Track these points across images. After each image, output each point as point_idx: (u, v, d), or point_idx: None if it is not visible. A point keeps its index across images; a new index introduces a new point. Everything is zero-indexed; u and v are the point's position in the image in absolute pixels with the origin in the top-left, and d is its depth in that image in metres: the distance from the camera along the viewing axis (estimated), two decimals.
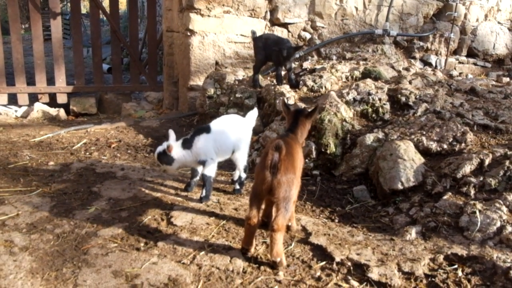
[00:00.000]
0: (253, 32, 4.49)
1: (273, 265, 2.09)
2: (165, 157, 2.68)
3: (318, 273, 2.07)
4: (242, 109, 4.22)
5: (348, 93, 3.86)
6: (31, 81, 5.62)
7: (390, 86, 4.08)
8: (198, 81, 5.06)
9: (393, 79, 4.53)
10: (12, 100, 5.56)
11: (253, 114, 2.95)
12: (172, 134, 2.73)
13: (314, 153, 3.35)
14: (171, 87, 5.56)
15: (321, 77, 4.47)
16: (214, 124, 2.80)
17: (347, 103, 3.76)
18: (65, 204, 2.73)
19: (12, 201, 2.75)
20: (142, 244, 2.28)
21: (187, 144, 2.70)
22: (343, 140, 3.42)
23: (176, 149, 2.68)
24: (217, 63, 5.18)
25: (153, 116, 5.19)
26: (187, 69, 5.09)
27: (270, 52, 4.26)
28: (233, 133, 2.79)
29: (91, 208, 2.67)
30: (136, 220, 2.54)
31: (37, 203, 2.73)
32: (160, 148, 2.70)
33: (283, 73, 4.46)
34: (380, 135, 3.31)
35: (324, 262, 2.15)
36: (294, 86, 4.27)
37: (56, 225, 2.47)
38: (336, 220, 2.66)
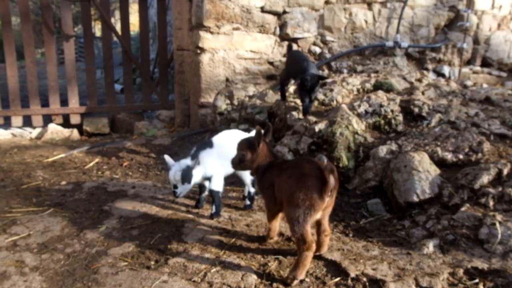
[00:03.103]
0: (289, 46, 4.32)
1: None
2: (189, 174, 2.61)
3: None
4: (253, 125, 4.20)
5: (359, 106, 3.82)
6: (45, 103, 5.71)
7: (403, 97, 4.02)
8: (209, 98, 5.08)
9: (405, 91, 4.47)
10: (27, 121, 5.65)
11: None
12: (169, 158, 2.70)
13: None
14: (182, 105, 5.59)
15: (332, 90, 4.43)
16: (216, 139, 2.78)
17: (358, 115, 3.71)
18: (76, 223, 2.72)
19: (24, 221, 2.76)
20: (152, 262, 2.25)
21: (196, 160, 2.68)
22: (355, 153, 3.36)
23: (194, 168, 2.66)
24: (227, 79, 5.20)
25: (165, 134, 5.21)
26: (198, 87, 5.12)
27: (291, 73, 3.98)
28: (234, 147, 2.76)
29: (102, 227, 2.65)
30: (146, 238, 2.51)
31: (48, 223, 2.73)
32: (180, 167, 2.60)
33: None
34: (394, 147, 3.24)
35: (338, 278, 2.08)
36: (305, 113, 3.78)
37: (67, 244, 2.46)
38: (351, 235, 2.58)
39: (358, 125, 3.56)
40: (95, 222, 2.73)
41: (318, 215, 2.08)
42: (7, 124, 5.58)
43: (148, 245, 2.42)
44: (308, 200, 1.99)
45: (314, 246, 2.03)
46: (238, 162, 2.33)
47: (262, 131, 2.23)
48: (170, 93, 6.17)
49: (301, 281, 2.06)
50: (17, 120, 5.54)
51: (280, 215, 2.35)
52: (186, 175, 2.61)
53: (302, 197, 1.99)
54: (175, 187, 2.63)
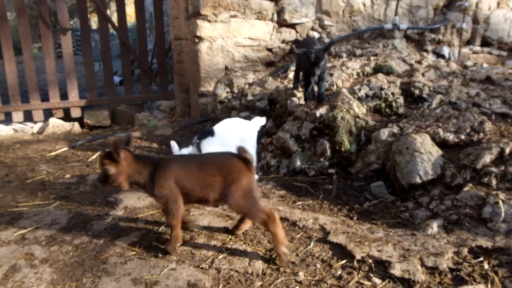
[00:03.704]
0: (296, 41, 4.06)
1: None
2: None
3: (339, 272, 2.03)
4: (254, 112, 4.21)
5: (360, 89, 3.81)
6: (45, 98, 5.71)
7: (403, 79, 4.01)
8: (209, 87, 5.07)
9: (405, 73, 4.46)
10: (28, 117, 5.65)
11: (260, 119, 2.94)
12: (174, 144, 2.70)
13: (328, 151, 3.31)
14: (182, 94, 5.58)
15: (331, 75, 4.42)
16: (218, 128, 2.80)
17: (359, 99, 3.71)
18: (83, 215, 2.75)
19: (31, 215, 2.78)
20: (159, 251, 2.27)
21: (198, 148, 2.70)
22: (357, 136, 3.37)
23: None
24: (226, 68, 5.19)
25: (166, 124, 5.21)
26: (197, 76, 5.11)
27: (299, 59, 3.83)
28: (236, 135, 2.79)
29: (108, 218, 2.67)
30: (153, 227, 2.53)
31: (55, 216, 2.75)
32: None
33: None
34: (395, 129, 3.25)
35: (344, 261, 2.11)
36: (321, 101, 3.64)
37: (74, 236, 2.48)
38: (355, 218, 2.61)
39: (359, 109, 3.56)
40: (101, 214, 2.76)
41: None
42: (8, 120, 5.59)
43: (155, 234, 2.45)
44: (247, 184, 2.09)
45: (276, 214, 2.11)
46: (104, 179, 2.17)
47: (119, 139, 2.14)
48: (169, 83, 6.16)
49: (308, 265, 2.09)
50: (18, 116, 5.54)
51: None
52: None
53: (243, 184, 2.09)
54: None
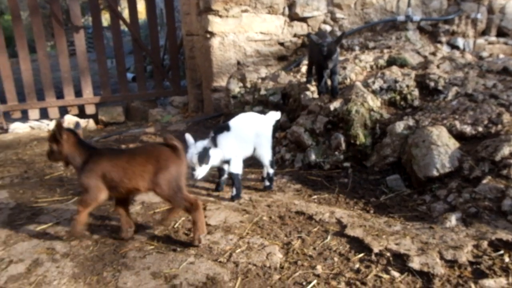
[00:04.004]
0: (308, 35, 4.02)
1: None
2: (206, 155, 2.59)
3: (357, 265, 2.03)
4: (267, 107, 4.20)
5: (374, 82, 3.78)
6: (60, 95, 5.78)
7: (417, 72, 3.97)
8: (221, 82, 5.08)
9: (419, 65, 4.40)
10: (43, 114, 5.73)
11: (275, 113, 2.93)
12: (190, 137, 2.69)
13: (343, 145, 3.30)
14: (195, 90, 5.61)
15: (344, 68, 4.39)
16: (233, 122, 2.80)
17: (373, 92, 3.68)
18: (101, 210, 2.78)
19: (50, 211, 2.83)
20: (178, 245, 2.30)
21: (214, 143, 2.70)
22: (372, 130, 3.35)
23: (212, 149, 2.65)
24: (238, 62, 5.19)
25: (179, 120, 5.24)
26: (210, 71, 5.12)
27: (311, 53, 3.75)
28: (252, 129, 2.78)
29: None
30: (170, 222, 2.56)
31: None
32: (199, 149, 2.59)
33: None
34: (411, 122, 3.22)
35: (362, 254, 2.11)
36: (335, 94, 3.61)
37: (93, 231, 2.52)
38: (372, 211, 2.60)
39: (374, 102, 3.54)
40: None
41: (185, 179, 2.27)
42: (24, 118, 5.68)
43: (172, 229, 2.47)
44: (173, 172, 2.18)
45: (200, 203, 2.24)
46: (49, 154, 2.36)
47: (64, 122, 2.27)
48: (181, 79, 6.19)
49: (325, 259, 2.09)
50: (34, 113, 5.62)
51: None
52: (203, 156, 2.60)
53: (167, 175, 2.16)
54: (193, 169, 2.64)
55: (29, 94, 5.58)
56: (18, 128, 5.37)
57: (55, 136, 2.27)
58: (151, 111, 5.58)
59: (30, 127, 5.47)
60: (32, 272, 2.15)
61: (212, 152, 2.66)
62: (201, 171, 2.63)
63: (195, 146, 2.63)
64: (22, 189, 3.25)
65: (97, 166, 2.23)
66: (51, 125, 5.49)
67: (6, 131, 5.39)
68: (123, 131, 4.86)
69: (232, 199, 2.78)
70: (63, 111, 5.75)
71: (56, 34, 5.61)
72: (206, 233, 2.31)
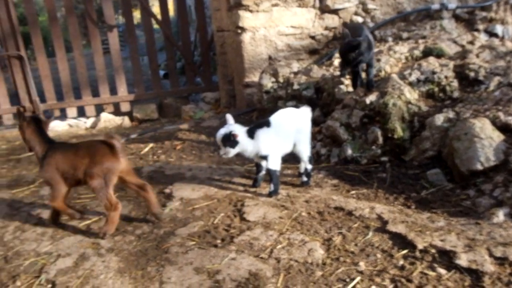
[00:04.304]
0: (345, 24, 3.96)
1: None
2: (230, 140, 2.62)
3: (401, 262, 2.00)
4: (301, 101, 4.17)
5: (410, 74, 3.69)
6: (95, 93, 5.93)
7: (456, 62, 3.85)
8: (253, 77, 5.08)
9: (457, 55, 4.26)
10: (81, 112, 5.90)
11: (307, 109, 2.90)
12: (230, 117, 2.73)
13: (380, 139, 3.24)
14: (226, 86, 5.63)
15: (379, 60, 4.31)
16: (273, 118, 2.79)
17: (410, 84, 3.60)
18: (141, 206, 2.85)
19: (93, 206, 2.92)
20: (219, 241, 2.32)
21: (250, 134, 2.71)
22: (410, 123, 3.27)
23: (241, 135, 2.66)
24: (270, 57, 5.17)
25: (212, 116, 5.29)
26: (241, 67, 5.13)
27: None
28: (292, 125, 2.77)
29: (166, 209, 2.76)
30: (209, 218, 2.59)
31: None
32: (226, 130, 2.63)
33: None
34: (451, 114, 3.13)
35: (406, 251, 2.07)
36: (370, 87, 3.54)
37: (136, 226, 2.59)
38: (413, 207, 2.55)
39: (411, 94, 3.46)
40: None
41: (116, 178, 2.43)
42: (62, 116, 5.86)
43: (212, 225, 2.50)
44: (105, 169, 2.35)
45: (119, 206, 2.44)
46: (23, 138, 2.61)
47: (22, 110, 2.58)
48: (212, 74, 6.23)
49: (368, 255, 2.07)
50: (71, 111, 5.80)
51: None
52: (227, 139, 2.61)
53: (98, 171, 2.35)
54: (219, 147, 2.69)
55: (67, 93, 5.76)
56: (57, 126, 5.55)
57: (20, 124, 2.57)
58: (184, 108, 5.65)
59: (69, 125, 5.65)
60: (80, 266, 2.23)
61: (242, 140, 2.65)
62: (224, 152, 2.67)
63: (225, 127, 2.66)
64: None
65: (53, 159, 2.44)
66: (88, 123, 5.65)
67: None
68: (157, 128, 4.95)
69: (270, 195, 2.78)
70: (99, 109, 5.91)
71: (91, 34, 5.75)
72: (111, 231, 2.49)
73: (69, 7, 5.69)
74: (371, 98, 3.43)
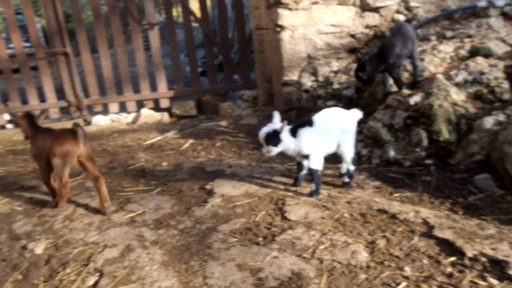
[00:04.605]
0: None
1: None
2: (274, 138, 2.65)
3: (449, 269, 1.95)
4: (341, 101, 4.13)
5: (456, 75, 3.58)
6: (136, 89, 6.08)
7: (506, 62, 3.69)
8: (292, 75, 5.06)
9: (507, 54, 4.09)
10: (122, 107, 6.07)
11: (358, 112, 2.86)
12: (277, 115, 2.76)
13: (425, 141, 3.16)
14: (264, 84, 5.64)
15: (422, 60, 4.19)
16: (317, 118, 2.77)
17: (457, 85, 3.48)
18: (183, 201, 2.90)
19: (137, 200, 3.00)
20: (260, 239, 2.34)
21: (293, 132, 2.71)
22: (456, 125, 3.17)
23: (285, 132, 2.68)
24: (309, 56, 5.13)
25: (250, 113, 5.31)
26: (280, 65, 5.12)
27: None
28: (336, 125, 2.74)
29: (208, 205, 2.80)
30: (251, 215, 2.61)
31: (159, 201, 2.94)
32: (270, 128, 2.66)
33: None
34: (501, 117, 3.01)
35: (454, 258, 2.01)
36: (415, 84, 3.65)
37: (178, 221, 2.64)
38: (460, 212, 2.47)
39: (458, 96, 3.35)
40: (199, 201, 2.89)
41: (75, 161, 2.77)
42: (105, 111, 6.05)
43: (254, 222, 2.52)
44: (62, 153, 2.69)
45: (68, 186, 2.82)
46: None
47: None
48: (249, 72, 6.25)
49: (413, 260, 2.03)
50: (113, 107, 5.98)
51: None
52: (270, 137, 2.65)
53: (59, 151, 2.68)
54: (261, 146, 2.73)
55: (109, 88, 5.94)
56: (100, 121, 5.74)
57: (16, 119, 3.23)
58: (222, 105, 5.71)
59: (111, 120, 5.82)
60: (125, 257, 2.29)
61: (285, 138, 2.67)
62: (267, 150, 2.71)
63: (269, 126, 2.69)
64: (109, 178, 3.46)
65: (36, 142, 2.85)
66: (129, 118, 5.80)
67: (89, 123, 5.79)
68: (196, 124, 5.02)
69: (311, 194, 2.77)
70: (140, 104, 6.06)
71: (133, 31, 5.89)
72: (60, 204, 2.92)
73: (112, 5, 5.86)
74: (415, 98, 3.35)
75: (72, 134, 2.72)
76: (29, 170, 3.88)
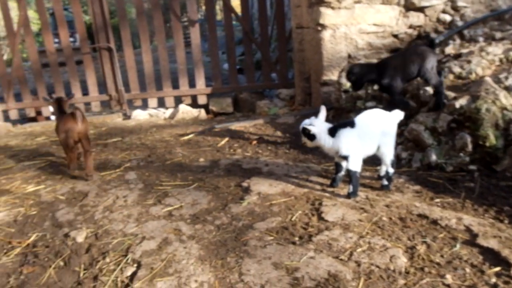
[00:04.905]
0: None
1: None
2: (308, 133, 2.77)
3: (493, 280, 1.86)
4: (381, 102, 4.05)
5: (507, 78, 3.42)
6: (175, 85, 6.20)
7: None
8: (331, 75, 5.00)
9: None
10: (161, 102, 6.21)
11: (399, 113, 2.80)
12: (323, 110, 2.84)
13: (469, 146, 3.05)
14: (302, 83, 5.61)
15: (469, 62, 4.04)
16: (359, 119, 2.72)
17: (506, 89, 3.33)
18: (220, 198, 2.93)
19: (174, 194, 3.06)
20: (296, 238, 2.32)
21: (331, 131, 2.70)
22: (505, 131, 3.04)
23: (320, 130, 2.73)
24: (349, 56, 5.06)
25: (287, 112, 5.29)
26: (319, 64, 5.07)
27: None
28: (378, 128, 2.68)
29: (244, 202, 2.81)
30: (287, 214, 2.60)
31: (195, 196, 2.98)
32: (306, 123, 2.79)
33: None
34: None
35: (499, 268, 1.93)
36: (438, 108, 3.41)
37: (215, 217, 2.66)
38: (506, 221, 2.36)
39: (507, 100, 3.20)
40: (236, 197, 2.91)
41: (76, 136, 3.46)
42: (144, 106, 6.21)
43: (290, 222, 2.51)
44: (66, 129, 3.44)
45: (75, 150, 3.58)
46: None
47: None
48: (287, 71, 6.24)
49: (455, 268, 1.96)
50: (153, 102, 6.12)
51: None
52: (303, 130, 2.78)
53: (63, 128, 3.46)
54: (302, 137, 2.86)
55: (149, 84, 6.08)
56: (139, 115, 5.89)
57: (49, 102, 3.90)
58: (258, 103, 5.72)
59: (149, 115, 5.97)
60: (163, 249, 2.34)
61: (320, 136, 2.74)
62: (304, 141, 2.86)
63: (310, 120, 2.80)
64: (148, 172, 3.55)
65: (57, 123, 3.62)
66: (167, 113, 5.92)
67: (129, 117, 5.95)
68: (233, 121, 5.05)
69: (348, 196, 2.73)
70: (178, 100, 6.17)
71: (174, 28, 6.00)
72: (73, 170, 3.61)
73: (155, 2, 5.99)
74: (461, 102, 3.23)
75: (72, 116, 3.44)
76: None
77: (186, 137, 4.54)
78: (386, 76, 3.57)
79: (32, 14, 16.74)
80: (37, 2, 5.84)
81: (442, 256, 2.07)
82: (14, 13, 6.61)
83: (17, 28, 5.85)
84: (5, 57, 12.36)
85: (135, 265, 2.22)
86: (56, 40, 6.65)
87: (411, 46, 3.88)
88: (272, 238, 2.35)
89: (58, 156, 4.25)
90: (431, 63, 3.44)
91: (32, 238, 2.59)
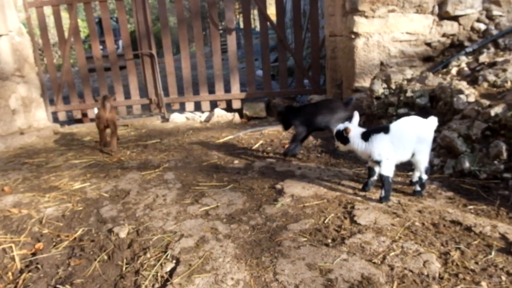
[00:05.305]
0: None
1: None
2: (342, 137, 2.86)
3: None
4: (413, 109, 4.06)
5: None
6: (211, 90, 6.39)
7: None
8: (363, 82, 5.05)
9: None
10: (197, 106, 6.41)
11: (434, 119, 2.83)
12: (356, 115, 2.90)
13: (504, 154, 3.03)
14: (334, 89, 5.67)
15: (504, 70, 4.01)
16: (394, 126, 2.77)
17: None
18: (254, 199, 3.03)
19: (210, 194, 3.18)
20: (329, 240, 2.39)
21: (365, 136, 2.76)
22: None
23: (354, 134, 2.82)
24: (381, 63, 5.09)
25: None
26: (352, 71, 5.13)
27: None
28: (413, 135, 2.72)
29: (278, 204, 2.90)
30: (320, 217, 2.67)
31: (231, 197, 3.10)
32: (341, 127, 2.87)
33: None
34: None
35: None
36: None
37: (250, 217, 2.76)
38: None
39: None
40: (270, 199, 3.01)
41: (105, 122, 4.47)
42: (181, 109, 6.42)
43: (323, 224, 2.58)
44: (98, 116, 4.50)
45: (106, 130, 4.64)
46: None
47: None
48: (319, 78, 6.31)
49: (490, 276, 1.98)
50: (189, 106, 6.34)
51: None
52: (339, 135, 2.88)
53: (96, 116, 4.52)
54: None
55: (187, 88, 6.30)
56: (176, 118, 6.11)
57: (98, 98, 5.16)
58: None
59: (186, 118, 6.17)
60: (200, 247, 2.44)
61: (354, 140, 2.82)
62: (337, 145, 2.96)
63: (344, 124, 2.88)
64: (185, 173, 3.70)
65: (99, 111, 4.56)
66: (203, 117, 6.10)
67: (167, 120, 6.18)
68: (266, 125, 5.17)
69: (380, 200, 2.78)
70: (213, 104, 6.35)
71: (212, 36, 6.20)
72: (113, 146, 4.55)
73: (196, 11, 6.20)
74: (496, 110, 3.22)
75: (102, 105, 4.39)
76: (114, 160, 4.25)
77: (221, 140, 4.68)
78: (295, 122, 3.84)
79: (79, 22, 17.52)
80: (86, 12, 6.19)
81: (476, 263, 2.09)
82: (65, 21, 6.99)
83: (67, 35, 6.20)
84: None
85: (174, 261, 2.31)
86: (101, 47, 6.96)
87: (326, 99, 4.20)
88: (305, 239, 2.43)
89: (102, 156, 4.48)
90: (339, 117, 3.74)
91: (78, 233, 2.76)
